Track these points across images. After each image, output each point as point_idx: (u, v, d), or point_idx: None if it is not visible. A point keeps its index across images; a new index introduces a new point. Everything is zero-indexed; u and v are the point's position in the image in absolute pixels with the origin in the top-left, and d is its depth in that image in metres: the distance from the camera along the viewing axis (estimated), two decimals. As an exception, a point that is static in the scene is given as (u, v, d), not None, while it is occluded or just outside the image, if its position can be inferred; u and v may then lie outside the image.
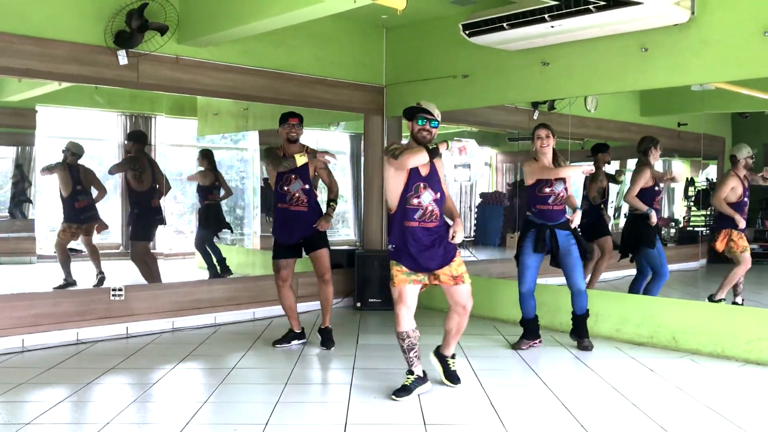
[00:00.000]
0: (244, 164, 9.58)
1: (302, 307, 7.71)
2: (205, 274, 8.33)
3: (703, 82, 6.22)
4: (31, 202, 7.36)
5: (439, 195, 4.74)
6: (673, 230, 8.69)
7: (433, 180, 4.74)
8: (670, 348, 6.15)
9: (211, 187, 8.55)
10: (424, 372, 4.86)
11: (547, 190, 5.94)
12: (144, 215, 7.65)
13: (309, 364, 5.75)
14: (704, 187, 7.79)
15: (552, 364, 5.79)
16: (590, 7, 5.76)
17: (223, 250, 8.67)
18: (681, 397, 4.77)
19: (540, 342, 6.32)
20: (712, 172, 7.69)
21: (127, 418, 4.27)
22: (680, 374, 5.38)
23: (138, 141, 7.56)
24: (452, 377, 5.03)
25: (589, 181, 7.76)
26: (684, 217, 8.63)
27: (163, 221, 7.76)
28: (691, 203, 8.15)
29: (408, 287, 4.69)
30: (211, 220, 8.65)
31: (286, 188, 5.97)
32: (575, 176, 5.99)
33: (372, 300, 7.91)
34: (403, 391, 4.70)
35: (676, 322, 6.16)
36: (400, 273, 4.69)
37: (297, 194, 5.96)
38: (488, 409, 4.50)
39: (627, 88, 6.62)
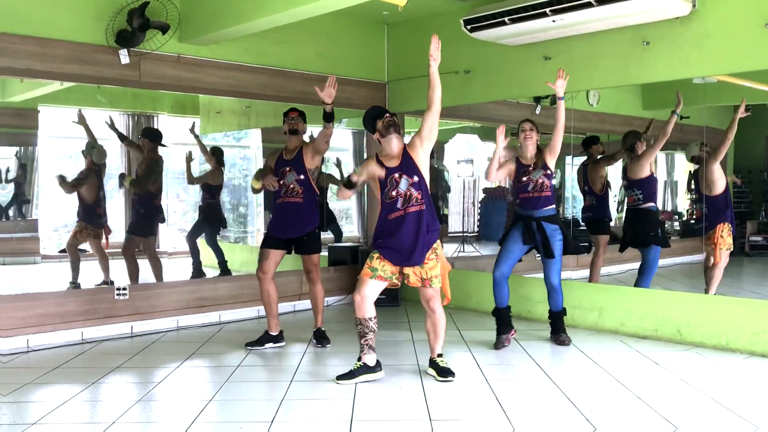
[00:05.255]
0: (246, 162, 9.58)
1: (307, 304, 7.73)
2: (209, 272, 8.29)
3: (705, 74, 6.21)
4: (20, 204, 7.40)
5: (416, 178, 4.94)
6: (676, 223, 8.70)
7: (407, 166, 4.96)
8: (675, 341, 6.15)
9: (219, 187, 8.51)
10: (378, 362, 5.05)
11: (525, 178, 6.00)
12: (149, 213, 7.65)
13: (314, 360, 5.76)
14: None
15: (556, 358, 5.80)
16: (591, 0, 5.75)
17: (227, 248, 8.66)
18: (686, 390, 4.77)
19: (515, 332, 6.23)
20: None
21: (132, 417, 4.28)
22: (685, 367, 5.38)
23: (151, 139, 7.55)
24: (444, 373, 5.02)
25: (591, 173, 7.81)
26: (687, 210, 8.64)
27: (163, 219, 7.79)
28: (695, 196, 8.15)
29: (370, 281, 4.96)
30: (213, 218, 8.57)
31: (281, 182, 5.99)
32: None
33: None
34: (348, 375, 4.95)
35: (680, 315, 6.16)
36: (367, 267, 4.99)
37: (291, 185, 5.97)
38: (493, 403, 4.51)
39: (629, 81, 6.61)
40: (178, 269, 8.05)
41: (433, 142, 5.09)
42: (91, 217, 7.34)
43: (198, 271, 8.23)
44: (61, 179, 7.19)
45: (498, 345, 6.02)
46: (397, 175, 4.95)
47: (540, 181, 5.97)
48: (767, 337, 5.64)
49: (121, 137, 7.58)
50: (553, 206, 6.05)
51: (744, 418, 4.17)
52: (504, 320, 6.12)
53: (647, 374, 5.22)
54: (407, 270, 5.00)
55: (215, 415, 4.38)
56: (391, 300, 7.77)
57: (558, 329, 6.17)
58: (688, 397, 4.65)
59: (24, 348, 5.95)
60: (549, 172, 6.00)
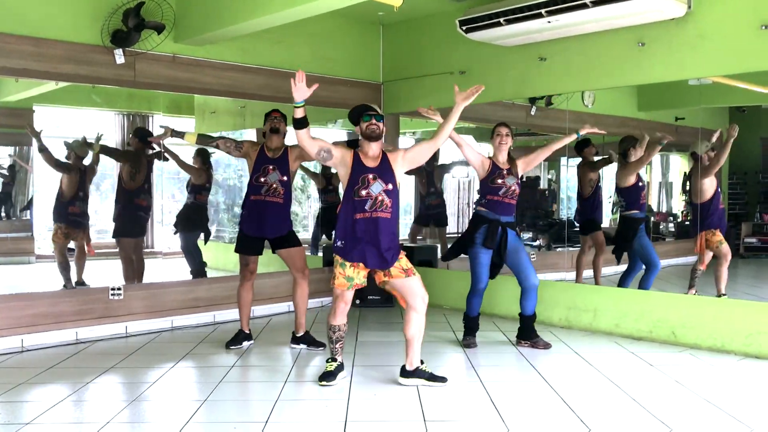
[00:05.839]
0: (241, 162, 9.54)
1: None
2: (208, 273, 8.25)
3: (700, 76, 6.22)
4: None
5: (391, 186, 4.88)
6: (671, 225, 8.71)
7: (383, 171, 4.88)
8: (670, 342, 6.15)
9: (201, 187, 8.36)
10: (342, 361, 5.14)
11: (500, 181, 5.95)
12: (128, 212, 7.57)
13: (308, 361, 5.74)
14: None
15: (551, 359, 5.79)
16: (587, 1, 5.76)
17: (221, 248, 8.62)
18: (680, 392, 4.78)
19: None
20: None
21: (126, 417, 4.28)
22: (680, 368, 5.38)
23: (141, 139, 7.50)
24: (436, 378, 4.95)
25: (580, 176, 7.87)
26: (682, 212, 8.65)
27: (148, 219, 7.72)
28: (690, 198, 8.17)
29: (348, 292, 4.94)
30: (193, 220, 8.41)
31: (263, 179, 5.89)
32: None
33: (371, 297, 7.88)
34: (330, 376, 4.96)
35: (675, 316, 6.17)
36: (341, 276, 4.90)
37: (274, 185, 5.88)
38: (488, 404, 4.51)
39: (624, 82, 6.62)
40: (173, 269, 8.04)
41: (413, 167, 5.18)
42: (63, 216, 7.20)
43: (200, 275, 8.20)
44: (47, 155, 6.97)
45: (471, 344, 6.12)
46: (371, 176, 4.84)
47: (513, 188, 5.96)
48: (762, 339, 5.65)
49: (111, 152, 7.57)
50: (514, 214, 6.09)
51: (738, 419, 4.18)
52: (475, 326, 6.21)
53: (642, 376, 5.23)
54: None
55: (209, 415, 4.37)
56: (385, 300, 7.76)
57: (533, 334, 6.11)
58: (683, 398, 4.65)
59: (18, 348, 5.94)
60: (519, 181, 6.02)
